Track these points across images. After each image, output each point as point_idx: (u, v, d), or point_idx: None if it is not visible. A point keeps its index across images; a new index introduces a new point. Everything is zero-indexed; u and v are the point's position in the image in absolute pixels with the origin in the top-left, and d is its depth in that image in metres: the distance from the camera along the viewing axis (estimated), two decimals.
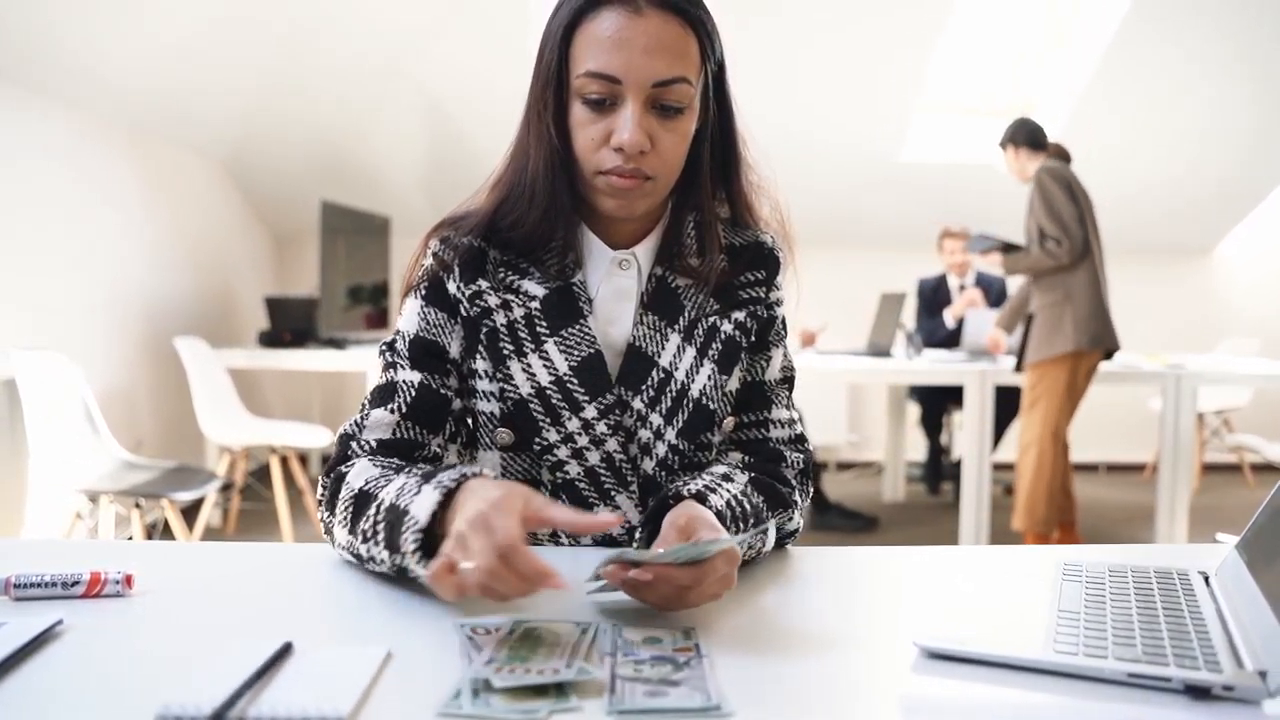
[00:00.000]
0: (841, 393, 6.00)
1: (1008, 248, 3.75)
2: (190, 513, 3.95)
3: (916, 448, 5.58)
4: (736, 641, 0.79)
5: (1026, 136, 3.70)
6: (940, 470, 5.36)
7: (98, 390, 3.58)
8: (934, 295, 5.12)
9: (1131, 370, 3.90)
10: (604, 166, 1.00)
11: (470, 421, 1.11)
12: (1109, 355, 3.66)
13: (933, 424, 5.34)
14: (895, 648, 0.78)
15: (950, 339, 4.91)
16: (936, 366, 4.05)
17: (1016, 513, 3.69)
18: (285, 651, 0.72)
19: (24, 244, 3.29)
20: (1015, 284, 4.92)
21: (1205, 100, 5.01)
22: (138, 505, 2.99)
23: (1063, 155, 3.70)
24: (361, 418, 1.05)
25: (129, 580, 0.88)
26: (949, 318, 4.96)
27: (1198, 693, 0.68)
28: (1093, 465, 6.06)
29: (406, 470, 0.94)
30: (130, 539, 3.07)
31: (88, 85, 3.54)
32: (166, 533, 3.49)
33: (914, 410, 5.45)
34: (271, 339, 4.62)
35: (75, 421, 3.12)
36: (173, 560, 1.03)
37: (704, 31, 1.02)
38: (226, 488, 4.21)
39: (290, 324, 4.66)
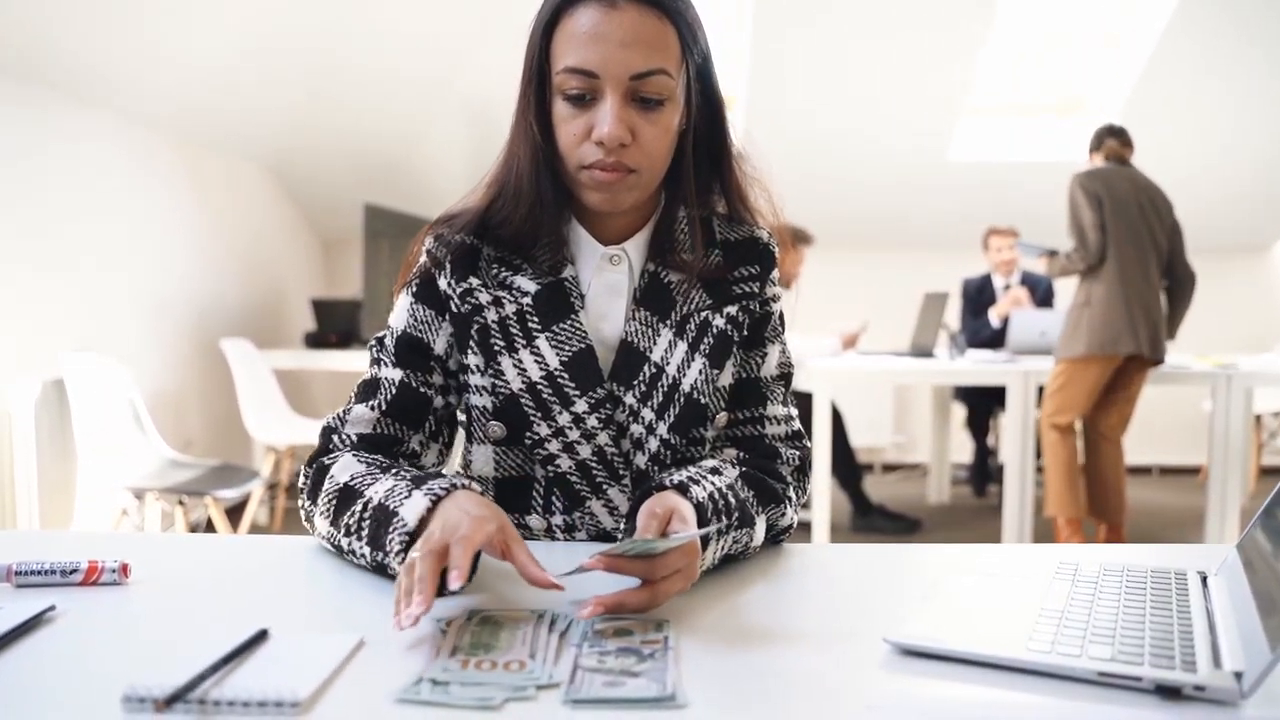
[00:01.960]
0: (887, 394, 5.94)
1: (1051, 254, 3.86)
2: (239, 510, 4.03)
3: (964, 450, 5.50)
4: (711, 635, 0.79)
5: (1092, 142, 3.78)
6: (987, 472, 5.28)
7: (147, 391, 3.68)
8: (979, 295, 5.05)
9: (1181, 371, 3.80)
10: (586, 161, 1.01)
11: (465, 417, 1.12)
12: (1153, 363, 3.64)
13: (979, 425, 5.27)
14: (870, 644, 0.77)
15: (995, 339, 4.83)
16: (979, 367, 4.00)
17: (1047, 502, 3.82)
18: (260, 638, 0.73)
19: (77, 250, 3.39)
20: (1062, 284, 4.84)
21: (1259, 95, 4.87)
22: (181, 503, 3.07)
23: (1116, 156, 3.67)
24: (344, 412, 1.07)
25: (125, 569, 0.90)
26: (994, 317, 4.89)
27: (1169, 693, 0.67)
28: (1146, 468, 5.92)
29: (394, 471, 0.96)
30: None
31: (140, 96, 3.64)
32: (210, 530, 3.57)
33: (960, 412, 5.38)
34: (317, 340, 4.71)
35: (122, 421, 3.21)
36: (171, 551, 1.06)
37: (683, 23, 1.02)
38: (273, 486, 4.29)
39: (335, 325, 4.74)
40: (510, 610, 0.80)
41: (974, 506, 5.08)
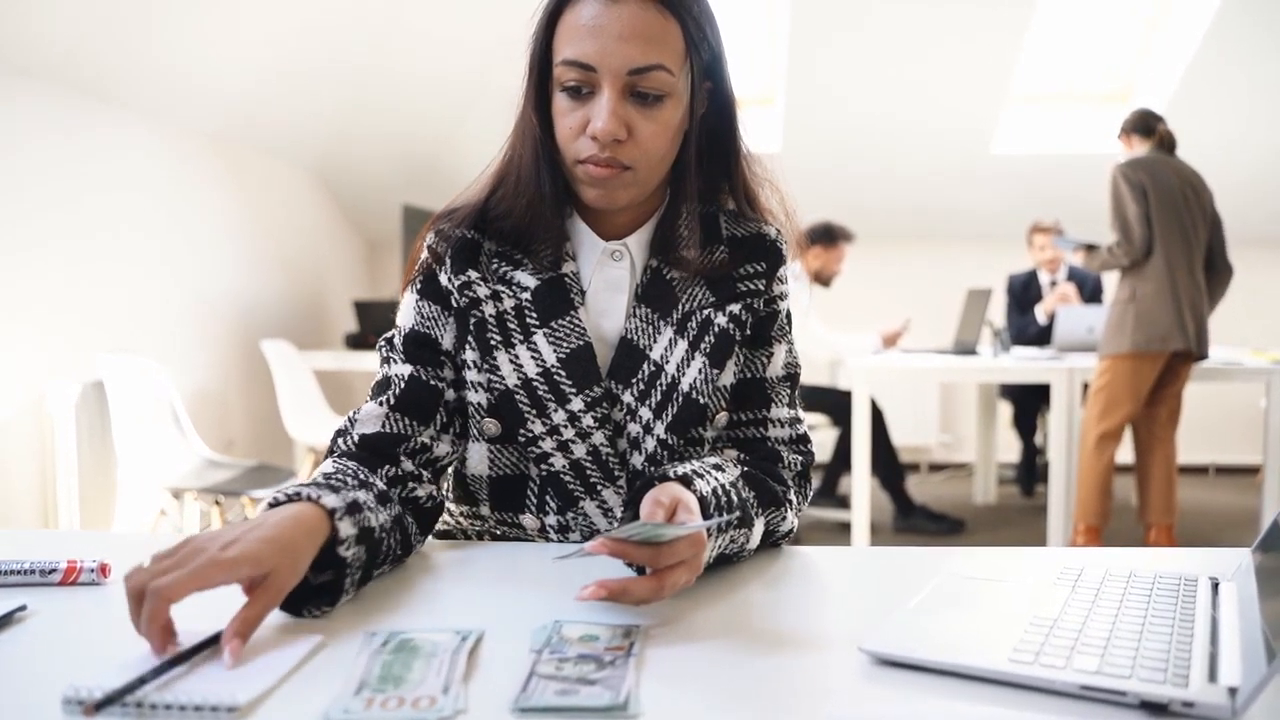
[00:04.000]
0: (933, 393, 5.84)
1: (1090, 247, 3.73)
2: None
3: (1012, 449, 5.39)
4: (686, 640, 0.76)
5: (1137, 125, 3.64)
6: (1034, 472, 5.16)
7: (190, 392, 3.74)
8: (1024, 291, 4.95)
9: (1233, 367, 3.68)
10: (581, 155, 0.99)
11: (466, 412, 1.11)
12: (1198, 358, 3.52)
13: (1026, 424, 5.16)
14: (850, 652, 0.73)
15: (1041, 336, 4.72)
16: (1023, 364, 3.91)
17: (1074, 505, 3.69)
18: (217, 639, 0.72)
19: (120, 253, 3.46)
20: (1109, 279, 4.72)
21: None
22: (217, 503, 3.11)
23: (1168, 143, 3.56)
24: (355, 412, 1.06)
25: (104, 569, 0.90)
26: (1041, 314, 4.78)
27: (1155, 709, 0.63)
28: (1202, 467, 5.74)
29: (332, 484, 0.90)
30: None
31: (180, 99, 3.70)
32: None
33: (1007, 410, 5.27)
34: (358, 341, 4.75)
35: (161, 421, 3.26)
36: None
37: (689, 18, 0.99)
38: None
39: (377, 326, 4.78)
40: (432, 633, 0.75)
41: (1021, 507, 4.97)
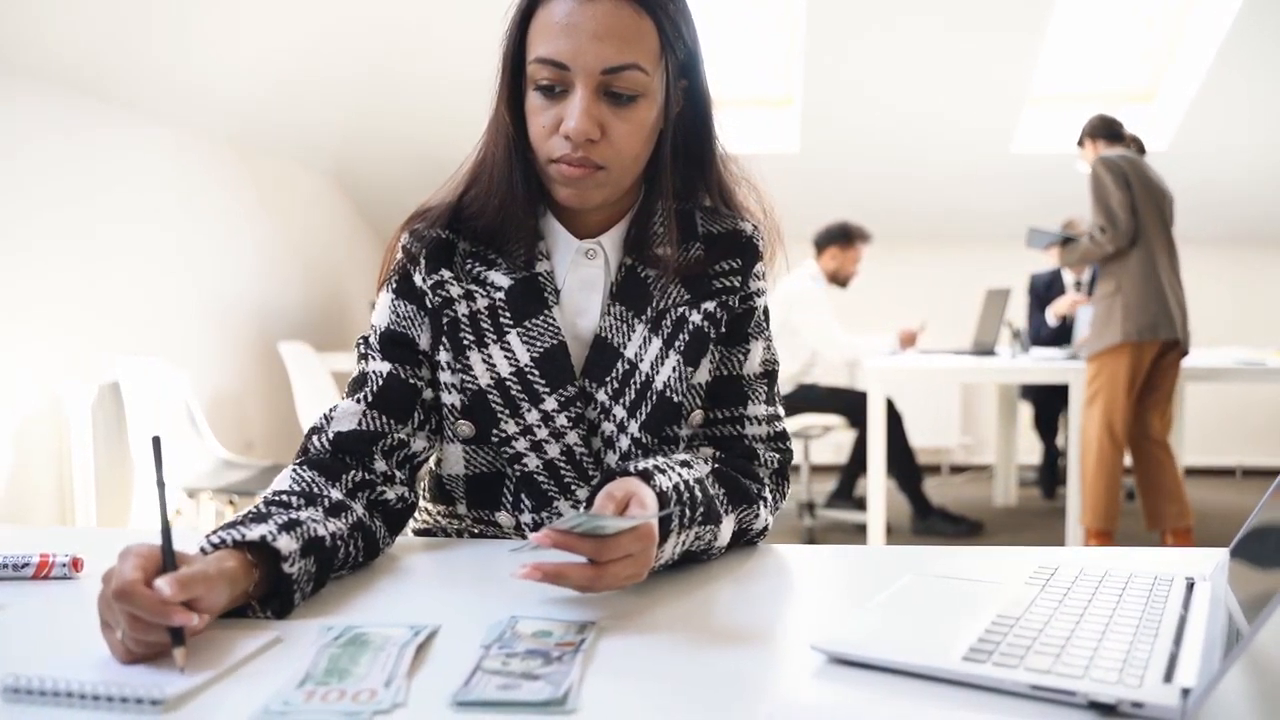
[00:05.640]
0: (954, 394, 5.79)
1: (1066, 241, 3.68)
2: None
3: (1034, 450, 5.33)
4: (642, 636, 0.76)
5: (1102, 129, 3.62)
6: (1055, 473, 5.10)
7: (208, 393, 3.77)
8: (1047, 291, 4.89)
9: (1256, 367, 3.62)
10: (554, 154, 0.99)
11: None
12: (1183, 353, 3.50)
13: (1047, 425, 5.10)
14: (805, 651, 0.73)
15: (1064, 336, 4.67)
16: (1041, 365, 3.87)
17: (1083, 510, 3.60)
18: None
19: (137, 256, 3.50)
20: None
21: None
22: (231, 502, 3.14)
23: (1137, 145, 3.55)
24: (331, 410, 1.05)
25: (76, 563, 0.91)
26: (1051, 316, 4.73)
27: (1105, 710, 0.61)
28: (1229, 469, 5.65)
29: (281, 505, 0.90)
30: None
31: (196, 104, 3.74)
32: None
33: (1027, 411, 5.22)
34: None
35: (177, 422, 3.29)
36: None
37: (664, 17, 0.98)
38: None
39: None
40: (385, 627, 0.75)
41: (1041, 509, 4.91)
